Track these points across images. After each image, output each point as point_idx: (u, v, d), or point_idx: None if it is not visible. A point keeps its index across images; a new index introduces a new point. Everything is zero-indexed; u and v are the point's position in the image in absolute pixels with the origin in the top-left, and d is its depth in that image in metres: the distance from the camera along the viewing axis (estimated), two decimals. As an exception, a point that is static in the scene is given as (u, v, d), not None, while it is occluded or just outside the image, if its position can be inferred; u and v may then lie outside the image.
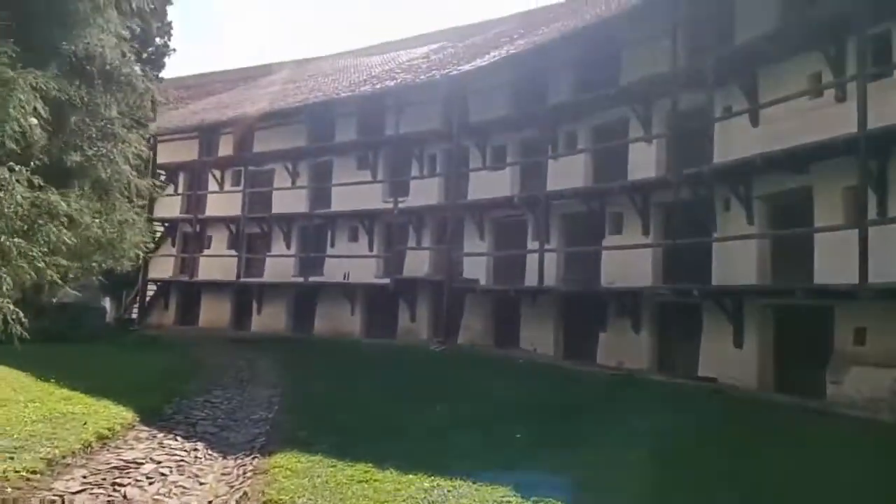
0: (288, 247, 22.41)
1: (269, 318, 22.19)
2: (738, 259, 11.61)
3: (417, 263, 18.98)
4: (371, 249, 20.32)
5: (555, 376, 12.55)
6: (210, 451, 6.96)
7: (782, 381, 11.06)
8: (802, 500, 5.60)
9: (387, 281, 18.92)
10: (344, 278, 20.34)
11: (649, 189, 13.61)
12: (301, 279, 21.22)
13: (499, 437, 7.50)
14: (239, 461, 6.61)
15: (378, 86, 20.40)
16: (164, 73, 26.27)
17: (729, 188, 11.90)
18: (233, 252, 23.04)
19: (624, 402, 9.70)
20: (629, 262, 13.71)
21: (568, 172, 15.41)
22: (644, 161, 13.85)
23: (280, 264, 22.18)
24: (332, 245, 21.29)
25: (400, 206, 18.95)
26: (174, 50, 26.76)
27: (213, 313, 23.64)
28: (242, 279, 22.50)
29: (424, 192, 19.06)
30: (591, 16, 15.19)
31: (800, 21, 10.34)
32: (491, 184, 17.30)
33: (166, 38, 25.67)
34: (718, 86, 12.00)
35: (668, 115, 13.26)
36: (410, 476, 5.79)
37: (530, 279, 15.74)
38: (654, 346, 13.59)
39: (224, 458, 6.78)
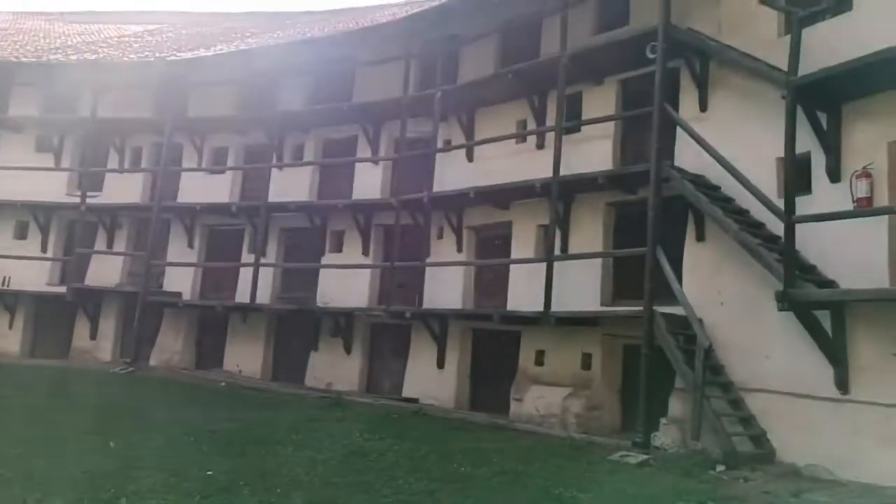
0: (-83, 239, 17.32)
1: None
2: (447, 284, 12.22)
3: (107, 271, 16.27)
4: (45, 250, 16.81)
5: (259, 400, 11.65)
6: None
7: (476, 399, 11.86)
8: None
9: (63, 289, 15.81)
10: (2, 284, 16.43)
11: (372, 210, 13.69)
12: (-67, 282, 16.51)
13: (186, 477, 6.41)
14: None
15: (74, 57, 17.23)
16: None
17: (444, 216, 12.53)
18: None
19: (327, 427, 9.29)
20: (347, 282, 13.56)
21: (293, 184, 14.78)
22: (370, 182, 13.96)
23: None
24: (-10, 242, 17.11)
25: (90, 201, 16.09)
26: None
27: None
28: None
29: (123, 188, 16.53)
30: (329, 28, 14.95)
31: (511, 72, 11.42)
32: (207, 187, 15.77)
33: None
34: (442, 119, 12.65)
35: (395, 139, 13.59)
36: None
37: (242, 295, 14.58)
38: (364, 367, 13.57)
39: None
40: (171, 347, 15.66)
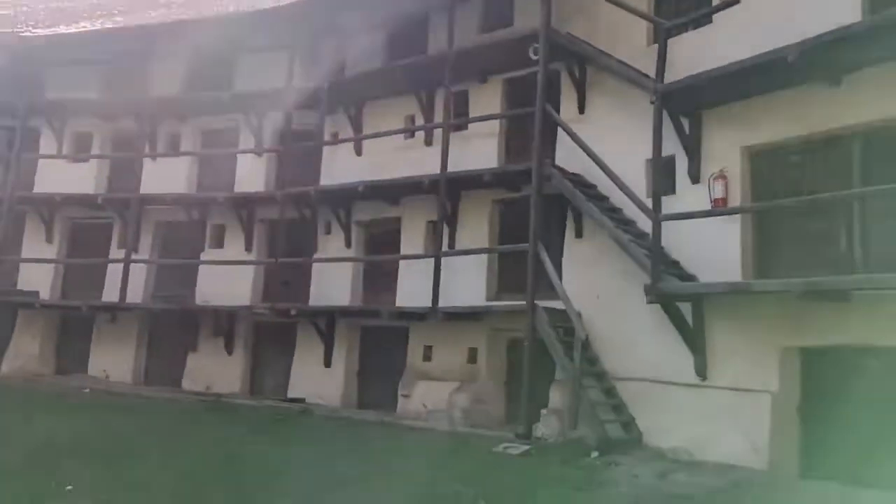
0: None
1: None
2: (334, 280, 11.97)
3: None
4: None
5: (129, 407, 10.87)
6: None
7: (364, 397, 11.73)
8: None
9: None
10: None
11: (255, 203, 13.14)
12: None
13: (44, 493, 5.88)
14: None
15: None
16: None
17: (331, 211, 12.25)
18: None
19: (204, 432, 8.85)
20: (229, 279, 12.91)
21: (168, 175, 13.88)
22: (253, 174, 13.40)
23: None
24: None
25: (-72, 189, 14.29)
26: None
27: None
28: None
29: (-31, 176, 14.82)
30: (208, 10, 14.14)
31: (399, 67, 11.34)
32: (69, 177, 14.47)
33: None
34: (329, 111, 12.35)
35: (280, 131, 13.12)
36: None
37: (111, 294, 13.51)
38: (247, 367, 13.03)
39: None
40: (26, 352, 14.26)
